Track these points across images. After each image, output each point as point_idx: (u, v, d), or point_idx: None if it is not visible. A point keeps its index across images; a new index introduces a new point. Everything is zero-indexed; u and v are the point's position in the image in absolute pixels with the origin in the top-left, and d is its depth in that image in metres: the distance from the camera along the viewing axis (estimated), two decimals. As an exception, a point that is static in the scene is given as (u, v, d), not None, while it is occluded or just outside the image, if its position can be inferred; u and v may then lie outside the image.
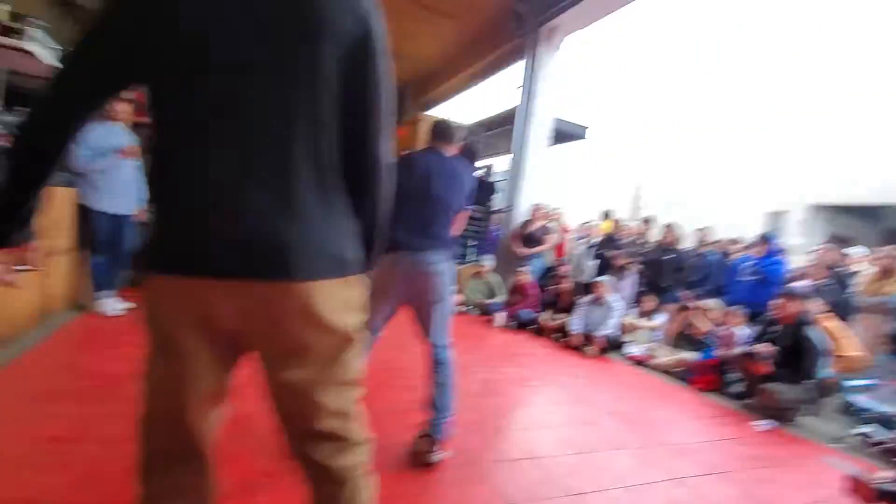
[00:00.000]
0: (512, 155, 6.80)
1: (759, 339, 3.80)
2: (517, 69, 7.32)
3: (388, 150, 0.97)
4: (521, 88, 6.79)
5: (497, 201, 7.79)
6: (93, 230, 3.39)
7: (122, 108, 3.48)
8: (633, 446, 2.57)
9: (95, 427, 1.91)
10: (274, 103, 0.81)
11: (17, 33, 2.87)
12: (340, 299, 0.88)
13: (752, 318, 4.29)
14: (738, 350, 3.93)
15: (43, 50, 3.06)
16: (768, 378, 3.49)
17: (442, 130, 2.15)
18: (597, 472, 2.20)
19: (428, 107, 11.38)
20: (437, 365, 2.02)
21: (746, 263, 5.01)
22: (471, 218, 7.00)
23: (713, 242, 5.59)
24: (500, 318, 5.55)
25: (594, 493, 2.01)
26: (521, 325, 5.49)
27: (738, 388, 3.98)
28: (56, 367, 2.47)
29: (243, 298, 0.82)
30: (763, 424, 3.31)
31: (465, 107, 10.18)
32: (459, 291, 6.27)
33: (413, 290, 2.02)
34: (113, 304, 3.52)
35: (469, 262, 7.05)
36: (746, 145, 13.03)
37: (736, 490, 2.26)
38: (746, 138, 13.01)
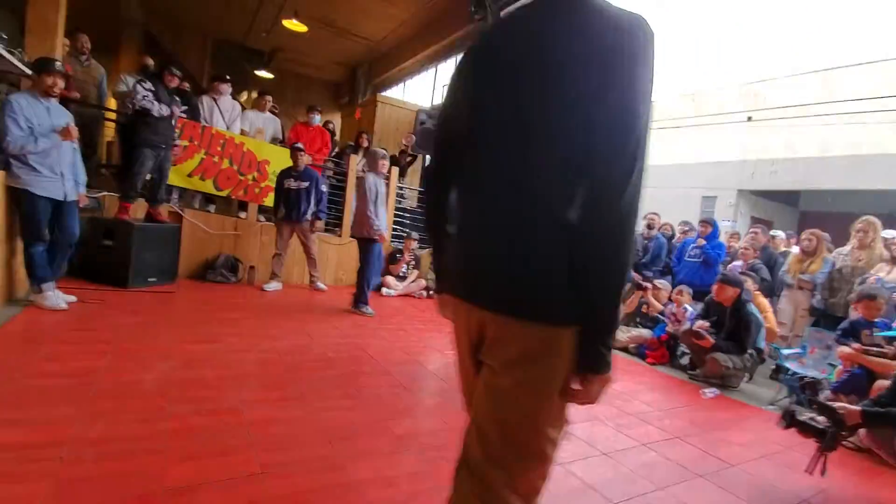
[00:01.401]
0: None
1: (703, 316, 4.15)
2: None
3: None
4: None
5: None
6: (30, 216, 3.09)
7: (58, 82, 3.16)
8: (603, 417, 2.76)
9: (63, 430, 1.78)
10: None
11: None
12: None
13: (696, 296, 4.66)
14: (685, 326, 4.27)
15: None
16: (712, 350, 3.83)
17: None
18: (575, 442, 2.34)
19: (383, 88, 11.13)
20: None
21: (692, 246, 5.39)
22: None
23: (662, 226, 5.95)
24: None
25: (576, 462, 2.14)
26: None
27: (685, 360, 4.35)
28: (4, 367, 2.25)
29: None
30: (710, 392, 3.64)
31: (425, 89, 10.05)
32: (423, 276, 6.30)
33: None
34: (55, 298, 3.24)
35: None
36: (687, 138, 13.85)
37: (696, 452, 2.49)
38: (687, 133, 13.82)
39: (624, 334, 4.76)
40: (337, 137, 8.15)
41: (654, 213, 5.92)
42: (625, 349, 4.66)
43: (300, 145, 5.15)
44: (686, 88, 14.47)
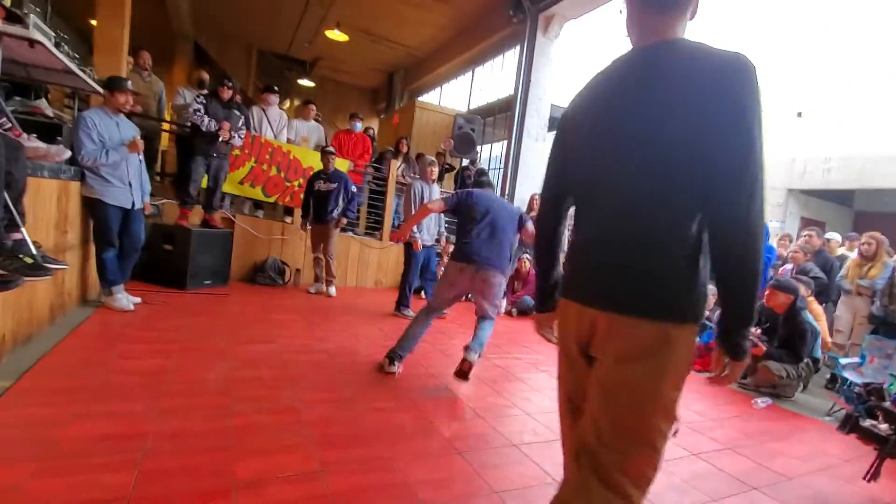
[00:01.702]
0: (509, 143, 6.85)
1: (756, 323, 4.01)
2: (512, 56, 7.33)
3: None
4: (517, 76, 6.82)
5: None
6: (102, 224, 3.33)
7: (128, 99, 3.40)
8: (652, 426, 2.72)
9: (142, 424, 1.93)
10: None
11: (20, 21, 2.74)
12: None
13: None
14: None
15: (46, 39, 2.94)
16: (764, 358, 3.70)
17: (484, 175, 3.42)
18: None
19: (420, 93, 11.28)
20: (483, 320, 3.04)
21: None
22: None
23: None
24: (503, 304, 5.66)
25: (627, 471, 2.13)
26: (522, 312, 5.62)
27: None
28: (84, 364, 2.45)
29: None
30: (762, 402, 3.52)
31: (461, 93, 10.12)
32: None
33: (476, 288, 2.99)
34: (124, 299, 3.48)
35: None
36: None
37: (750, 463, 2.42)
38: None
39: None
40: (376, 143, 8.33)
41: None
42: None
43: (331, 149, 5.28)
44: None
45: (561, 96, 7.26)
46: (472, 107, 9.52)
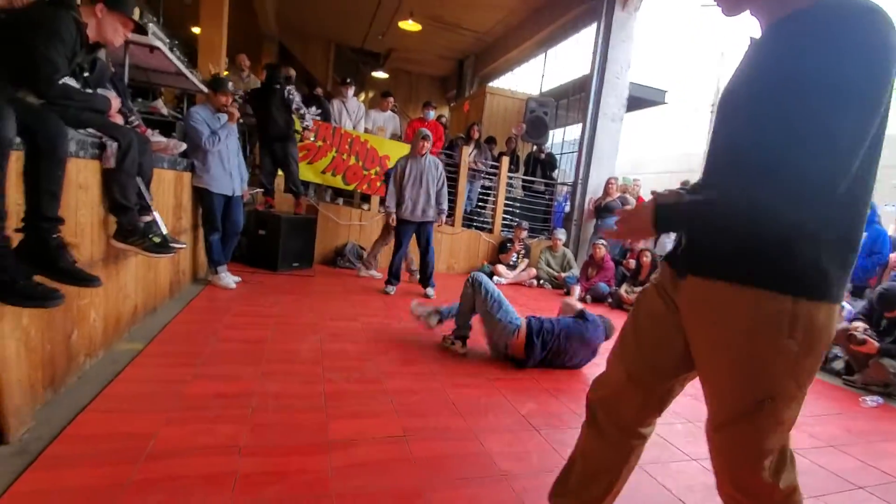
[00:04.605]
0: (584, 125, 6.63)
1: (867, 315, 3.61)
2: (588, 35, 7.05)
3: None
4: (593, 54, 6.55)
5: (560, 175, 7.66)
6: (209, 210, 3.72)
7: (230, 99, 3.73)
8: (741, 417, 2.58)
9: (249, 385, 2.17)
10: None
11: (142, 31, 3.12)
12: None
13: (854, 292, 4.06)
14: (840, 326, 3.76)
15: (163, 45, 3.33)
16: (879, 355, 3.33)
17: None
18: (710, 441, 2.24)
19: (490, 79, 11.21)
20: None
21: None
22: (535, 192, 6.98)
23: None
24: (576, 291, 5.56)
25: (713, 460, 2.05)
26: (597, 299, 5.48)
27: (838, 364, 3.83)
28: (198, 333, 2.79)
29: None
30: (872, 400, 3.18)
31: (533, 77, 9.93)
32: (533, 265, 6.31)
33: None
34: (227, 278, 3.87)
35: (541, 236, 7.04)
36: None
37: (854, 462, 2.23)
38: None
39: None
40: (448, 131, 8.43)
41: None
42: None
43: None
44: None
45: (641, 74, 6.89)
46: (544, 89, 9.30)
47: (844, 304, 3.97)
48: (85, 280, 1.63)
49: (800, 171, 0.80)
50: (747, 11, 0.97)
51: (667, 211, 0.94)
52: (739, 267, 0.91)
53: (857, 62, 0.76)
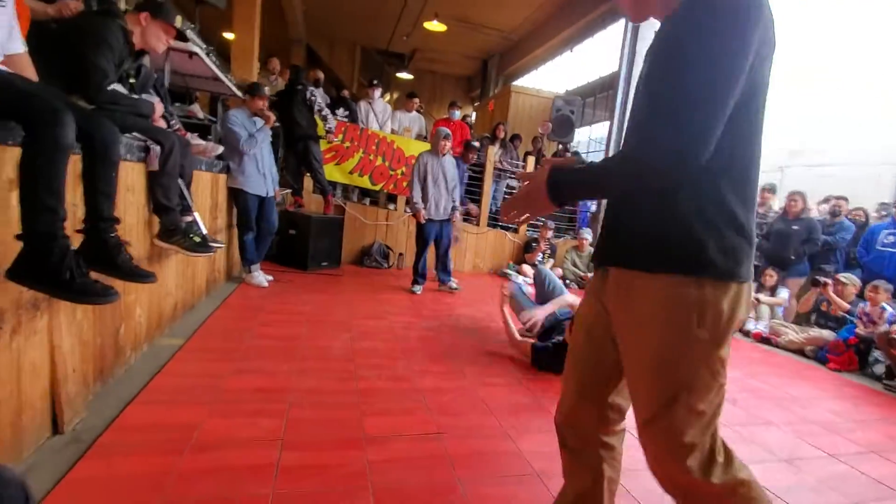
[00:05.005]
0: (611, 123, 6.54)
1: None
2: (616, 31, 6.95)
3: None
4: (621, 51, 6.45)
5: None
6: (244, 210, 3.82)
7: (265, 103, 3.82)
8: (780, 423, 2.51)
9: (286, 381, 2.23)
10: None
11: (183, 37, 3.23)
12: None
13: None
14: (882, 329, 3.62)
15: (201, 51, 3.44)
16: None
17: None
18: (750, 446, 2.20)
19: (514, 78, 11.16)
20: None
21: (886, 232, 4.50)
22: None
23: (852, 212, 5.05)
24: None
25: (753, 465, 2.00)
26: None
27: (879, 368, 3.69)
28: (235, 329, 2.87)
29: None
30: (920, 408, 3.05)
31: (559, 75, 9.83)
32: (559, 265, 6.26)
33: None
34: (260, 277, 3.98)
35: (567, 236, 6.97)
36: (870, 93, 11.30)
37: (902, 472, 2.15)
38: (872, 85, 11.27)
39: (799, 335, 4.19)
40: (473, 131, 8.43)
41: (842, 198, 5.04)
42: (800, 352, 4.11)
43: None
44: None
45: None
46: (570, 88, 9.20)
47: (885, 305, 3.81)
48: (142, 276, 1.71)
49: (662, 128, 0.82)
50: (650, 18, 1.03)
51: (561, 174, 0.95)
52: (650, 254, 0.93)
53: (716, 18, 0.80)
